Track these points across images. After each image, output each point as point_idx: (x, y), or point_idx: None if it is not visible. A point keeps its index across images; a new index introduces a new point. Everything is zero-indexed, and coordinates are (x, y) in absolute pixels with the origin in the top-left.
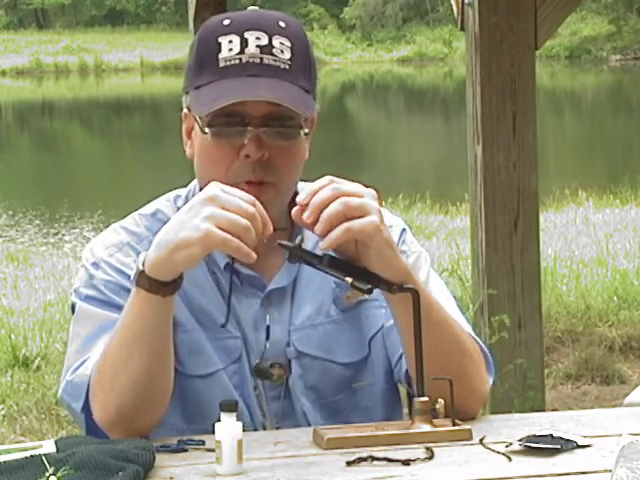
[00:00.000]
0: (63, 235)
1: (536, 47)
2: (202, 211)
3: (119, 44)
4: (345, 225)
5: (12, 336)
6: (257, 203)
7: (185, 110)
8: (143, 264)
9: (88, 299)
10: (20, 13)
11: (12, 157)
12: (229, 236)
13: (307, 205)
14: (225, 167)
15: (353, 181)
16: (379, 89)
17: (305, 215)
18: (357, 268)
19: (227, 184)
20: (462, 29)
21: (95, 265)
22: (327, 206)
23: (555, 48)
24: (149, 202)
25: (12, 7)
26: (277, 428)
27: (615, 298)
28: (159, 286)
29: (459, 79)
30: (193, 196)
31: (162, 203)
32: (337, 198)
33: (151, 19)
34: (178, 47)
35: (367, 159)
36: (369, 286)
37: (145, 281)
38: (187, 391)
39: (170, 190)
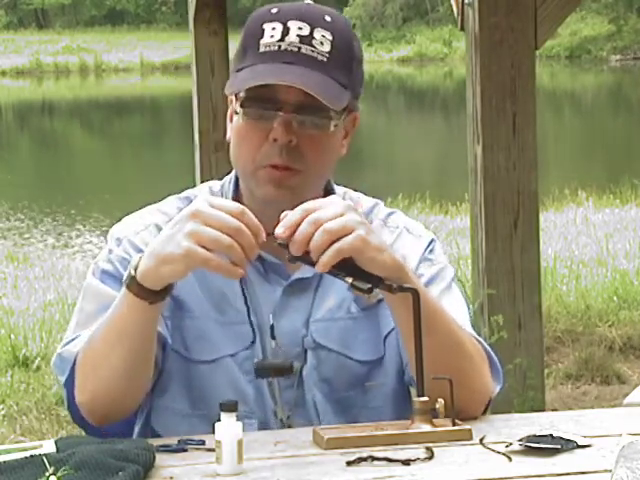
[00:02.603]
0: (83, 236)
1: (536, 47)
2: (185, 227)
3: (119, 44)
4: (335, 247)
5: (12, 336)
6: (246, 212)
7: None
8: (135, 269)
9: (101, 273)
10: (20, 13)
11: (12, 157)
12: (209, 255)
13: (287, 238)
14: (253, 149)
15: (351, 181)
16: (379, 89)
17: (293, 250)
18: (357, 268)
19: (254, 166)
20: (462, 29)
21: (118, 241)
22: (311, 238)
23: (555, 48)
24: (148, 203)
25: (12, 7)
26: (288, 417)
27: (615, 298)
28: (147, 293)
29: (459, 79)
30: (229, 185)
31: (197, 189)
32: (317, 228)
33: (151, 19)
34: (178, 47)
35: (367, 159)
36: (369, 286)
37: (134, 286)
38: (192, 376)
39: (169, 191)
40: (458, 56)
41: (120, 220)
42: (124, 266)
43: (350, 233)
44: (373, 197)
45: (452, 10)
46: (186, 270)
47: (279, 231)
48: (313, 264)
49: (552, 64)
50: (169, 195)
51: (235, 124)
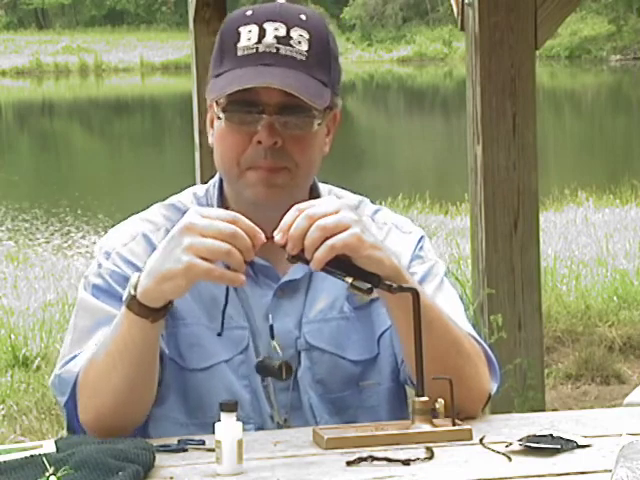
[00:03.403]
0: (89, 236)
1: (536, 47)
2: (182, 242)
3: (119, 44)
4: (328, 243)
5: (12, 336)
6: (239, 218)
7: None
8: (135, 288)
9: (92, 288)
10: (20, 13)
11: (12, 157)
12: (210, 266)
13: (286, 242)
14: (238, 153)
15: (351, 181)
16: (379, 89)
17: (289, 247)
18: (357, 268)
19: (239, 169)
20: (462, 29)
21: (106, 254)
22: (305, 234)
23: (555, 48)
24: (148, 203)
25: (12, 7)
26: (285, 420)
27: (615, 298)
28: (148, 312)
29: (459, 79)
30: (214, 189)
31: (183, 195)
32: (313, 224)
33: (151, 19)
34: (178, 47)
35: (367, 159)
36: (369, 286)
37: (135, 306)
38: (188, 385)
39: (169, 191)
40: (458, 56)
41: (116, 225)
42: (114, 279)
43: (344, 230)
44: (373, 197)
45: (452, 10)
46: (188, 284)
47: (277, 238)
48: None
49: (552, 64)
50: (169, 196)
51: (218, 129)
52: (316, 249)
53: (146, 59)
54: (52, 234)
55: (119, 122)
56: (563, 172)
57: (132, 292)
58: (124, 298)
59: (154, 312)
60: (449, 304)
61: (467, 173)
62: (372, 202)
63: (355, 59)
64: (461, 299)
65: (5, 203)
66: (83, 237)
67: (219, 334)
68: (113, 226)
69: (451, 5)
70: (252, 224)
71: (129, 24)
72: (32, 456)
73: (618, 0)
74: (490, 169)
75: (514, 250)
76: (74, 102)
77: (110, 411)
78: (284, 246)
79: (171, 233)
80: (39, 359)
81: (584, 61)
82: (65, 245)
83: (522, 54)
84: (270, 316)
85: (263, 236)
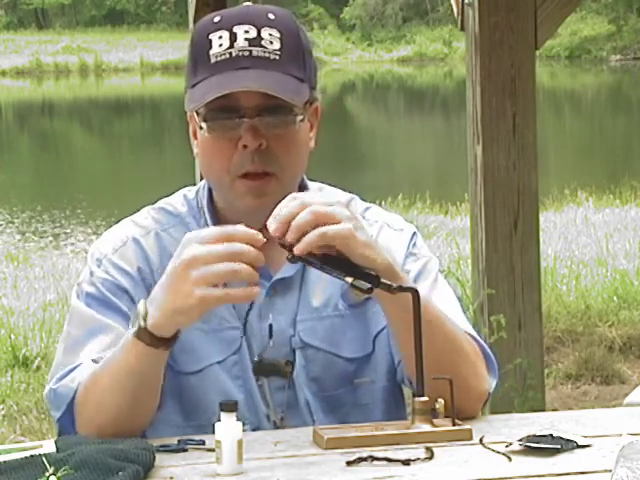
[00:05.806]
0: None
1: (536, 47)
2: (189, 276)
3: (119, 44)
4: (321, 229)
5: (12, 336)
6: (234, 232)
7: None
8: (144, 319)
9: (86, 296)
10: (20, 13)
11: (12, 157)
12: (221, 292)
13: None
14: (225, 160)
15: (351, 181)
16: (379, 89)
17: (272, 228)
18: (357, 268)
19: (230, 178)
20: (462, 29)
21: (98, 261)
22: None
23: (555, 48)
24: (148, 203)
25: (12, 7)
26: (282, 419)
27: (615, 298)
28: (159, 342)
29: (459, 79)
30: (203, 191)
31: (173, 198)
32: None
33: (151, 19)
34: (178, 47)
35: (367, 159)
36: (369, 286)
37: (146, 337)
38: (182, 388)
39: (169, 191)
40: (458, 56)
41: (110, 227)
42: (107, 288)
43: (337, 223)
44: (373, 197)
45: (452, 10)
46: (201, 315)
47: (272, 228)
48: (314, 265)
49: (552, 64)
50: (168, 196)
51: (201, 139)
52: (304, 233)
53: (146, 59)
54: (52, 234)
55: (119, 122)
56: (563, 172)
57: (142, 324)
58: (133, 329)
59: (166, 341)
60: (445, 301)
61: (467, 173)
62: (363, 200)
63: (355, 59)
64: (460, 298)
65: (7, 205)
66: (83, 237)
67: (242, 335)
68: (111, 227)
69: (451, 5)
70: (248, 230)
71: (129, 24)
72: (32, 456)
73: (618, 0)
74: (490, 169)
75: (514, 250)
76: (74, 102)
77: (112, 427)
78: (286, 246)
79: (172, 268)
80: (39, 359)
81: (584, 61)
82: (64, 245)
83: (522, 54)
84: (271, 315)
85: (261, 236)
